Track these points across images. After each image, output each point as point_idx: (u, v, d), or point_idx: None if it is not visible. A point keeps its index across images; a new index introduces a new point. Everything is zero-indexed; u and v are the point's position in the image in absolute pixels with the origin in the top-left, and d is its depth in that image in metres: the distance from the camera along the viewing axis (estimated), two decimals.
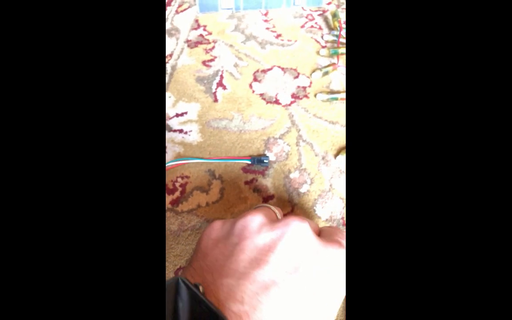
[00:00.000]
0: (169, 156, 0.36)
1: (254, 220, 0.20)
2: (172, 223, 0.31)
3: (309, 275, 0.18)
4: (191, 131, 0.38)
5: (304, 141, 0.37)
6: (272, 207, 0.25)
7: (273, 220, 0.21)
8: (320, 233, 0.23)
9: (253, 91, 0.42)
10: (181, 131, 0.38)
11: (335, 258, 0.19)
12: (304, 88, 0.43)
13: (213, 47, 0.48)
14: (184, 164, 0.35)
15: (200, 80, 0.44)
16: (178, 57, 0.47)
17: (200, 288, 0.17)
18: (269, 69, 0.45)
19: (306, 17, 0.54)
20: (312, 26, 0.52)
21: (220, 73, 0.45)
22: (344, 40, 0.48)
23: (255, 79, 0.44)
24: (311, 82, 0.44)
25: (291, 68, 0.45)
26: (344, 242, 0.22)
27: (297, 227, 0.20)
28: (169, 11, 0.54)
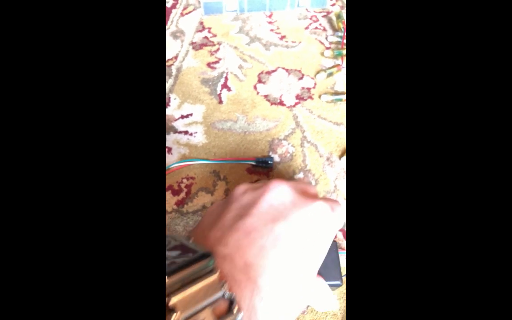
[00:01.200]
0: (174, 157, 0.36)
1: (239, 188, 0.23)
2: (177, 224, 0.31)
3: (288, 224, 0.20)
4: (196, 132, 0.38)
5: (308, 142, 0.37)
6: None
7: (258, 186, 0.23)
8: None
9: (258, 93, 0.43)
10: (186, 132, 0.38)
11: (312, 210, 0.21)
12: (309, 89, 0.43)
13: (218, 49, 0.48)
14: (189, 165, 0.35)
15: (205, 82, 0.44)
16: (183, 59, 0.47)
17: (190, 240, 0.19)
18: (273, 71, 0.45)
19: (310, 19, 0.54)
20: (316, 28, 0.52)
21: (224, 75, 0.45)
22: None
23: (259, 81, 0.44)
24: (315, 83, 0.44)
25: (295, 70, 0.46)
26: (315, 193, 0.24)
27: (276, 185, 0.22)
28: (174, 14, 0.55)
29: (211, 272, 0.16)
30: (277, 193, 0.21)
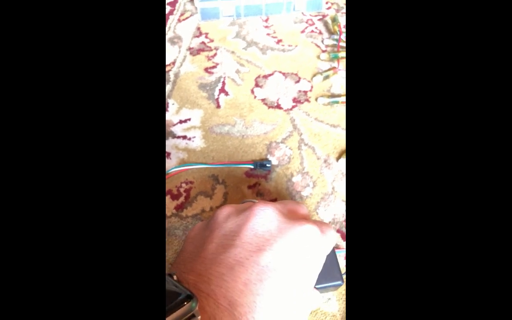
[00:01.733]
0: (173, 162, 0.36)
1: (222, 212, 0.21)
2: (177, 228, 0.32)
3: (274, 253, 0.19)
4: (194, 137, 0.39)
5: (306, 144, 0.38)
6: (255, 200, 0.25)
7: (242, 209, 0.22)
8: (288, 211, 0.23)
9: (255, 97, 0.43)
10: (184, 137, 0.39)
11: (299, 234, 0.20)
12: (305, 92, 0.44)
13: (215, 54, 0.49)
14: (188, 169, 0.36)
15: (202, 86, 0.44)
16: (181, 64, 0.48)
17: (174, 277, 0.18)
18: (270, 75, 0.46)
19: (306, 22, 0.55)
20: (312, 31, 0.53)
21: (222, 79, 0.45)
22: (344, 44, 0.49)
23: (256, 85, 0.45)
24: (312, 86, 0.44)
25: (292, 73, 0.46)
26: (305, 213, 0.23)
27: (260, 210, 0.20)
28: (172, 20, 0.55)
29: (193, 317, 0.16)
30: (262, 218, 0.20)
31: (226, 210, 0.22)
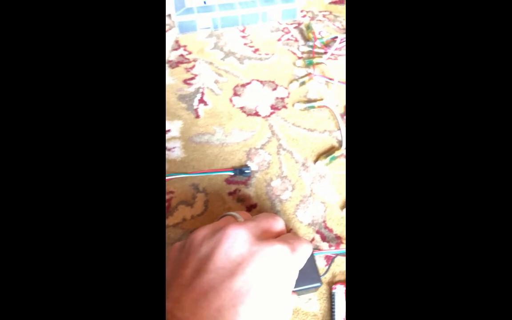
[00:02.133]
0: None
1: (199, 235, 0.22)
2: None
3: (246, 277, 0.19)
4: (174, 147, 0.39)
5: (284, 149, 0.39)
6: (235, 213, 0.26)
7: (217, 229, 0.22)
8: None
9: (234, 105, 0.44)
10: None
11: (269, 256, 0.20)
12: (283, 99, 0.45)
13: (194, 66, 0.50)
14: (168, 180, 0.36)
15: (182, 98, 0.45)
16: None
17: None
18: (248, 83, 0.47)
19: (283, 31, 0.56)
20: (288, 39, 0.54)
21: (201, 90, 0.46)
22: (318, 50, 0.50)
23: (235, 94, 0.45)
24: (289, 93, 0.45)
25: (269, 81, 0.47)
26: (280, 229, 0.24)
27: (233, 232, 0.21)
28: None
29: None
30: (234, 241, 0.21)
31: (201, 233, 0.22)
